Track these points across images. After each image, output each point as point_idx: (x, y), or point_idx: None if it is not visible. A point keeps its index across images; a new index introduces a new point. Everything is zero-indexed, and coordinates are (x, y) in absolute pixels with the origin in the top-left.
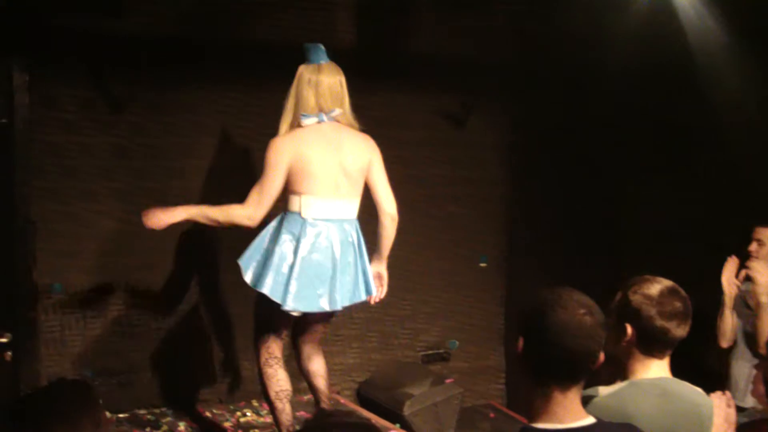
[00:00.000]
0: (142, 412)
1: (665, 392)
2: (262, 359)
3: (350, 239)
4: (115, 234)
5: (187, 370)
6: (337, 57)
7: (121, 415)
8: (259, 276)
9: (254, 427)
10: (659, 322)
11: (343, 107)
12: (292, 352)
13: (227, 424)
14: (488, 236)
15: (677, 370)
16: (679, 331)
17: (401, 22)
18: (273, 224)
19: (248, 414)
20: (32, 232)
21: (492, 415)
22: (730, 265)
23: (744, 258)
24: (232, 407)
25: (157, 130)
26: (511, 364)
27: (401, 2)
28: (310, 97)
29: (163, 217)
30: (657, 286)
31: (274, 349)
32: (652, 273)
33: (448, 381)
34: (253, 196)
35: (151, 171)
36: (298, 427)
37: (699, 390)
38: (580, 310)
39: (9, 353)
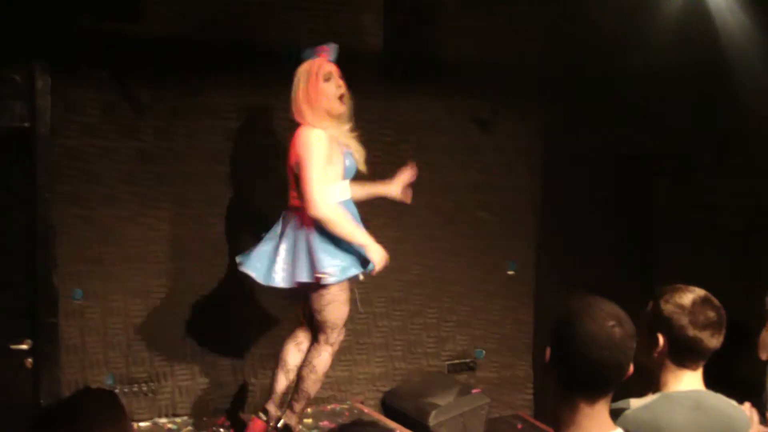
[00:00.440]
0: (163, 420)
1: (699, 405)
2: None
3: (293, 226)
4: (137, 239)
5: (209, 379)
6: (362, 60)
7: (142, 424)
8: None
9: None
10: (692, 333)
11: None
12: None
13: None
14: (517, 243)
15: (711, 382)
16: (713, 341)
17: (428, 25)
18: None
19: None
20: (53, 237)
21: (519, 426)
22: None
23: None
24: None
25: (180, 134)
26: (539, 374)
27: (428, 5)
28: None
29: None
30: (690, 296)
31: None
32: (684, 282)
33: (474, 391)
34: None
35: (173, 175)
36: None
37: (733, 403)
38: (609, 322)
39: (29, 360)
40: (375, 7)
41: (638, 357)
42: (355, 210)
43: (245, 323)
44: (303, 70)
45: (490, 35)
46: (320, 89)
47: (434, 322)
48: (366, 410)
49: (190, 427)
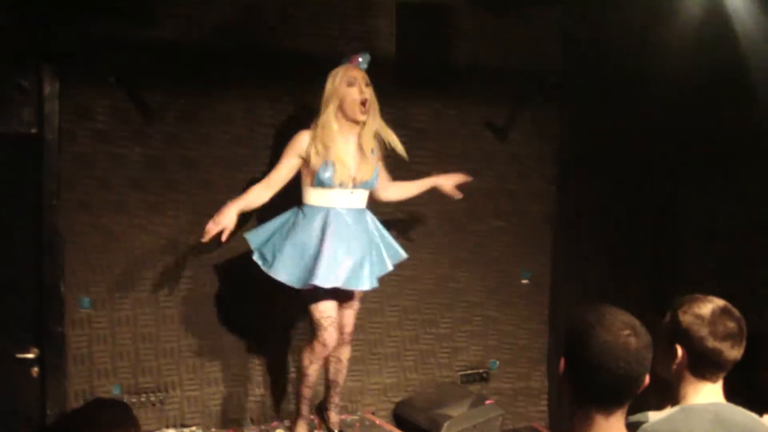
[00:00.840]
0: (170, 431)
1: (719, 418)
2: None
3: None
4: (146, 247)
5: (218, 389)
6: (375, 66)
7: None
8: None
9: None
10: (712, 344)
11: None
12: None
13: None
14: (532, 251)
15: (731, 395)
16: (733, 352)
17: (442, 30)
18: None
19: None
20: (61, 245)
21: None
22: None
23: None
24: (263, 427)
25: (192, 141)
26: (554, 385)
27: (442, 9)
28: None
29: None
30: (709, 306)
31: None
32: (703, 291)
33: (488, 402)
34: None
35: (184, 183)
36: None
37: (755, 416)
38: (624, 331)
39: (36, 369)
40: (388, 12)
41: (656, 369)
42: (345, 219)
43: (255, 332)
44: (331, 74)
45: (505, 40)
46: (342, 93)
47: (447, 332)
48: (378, 421)
49: None
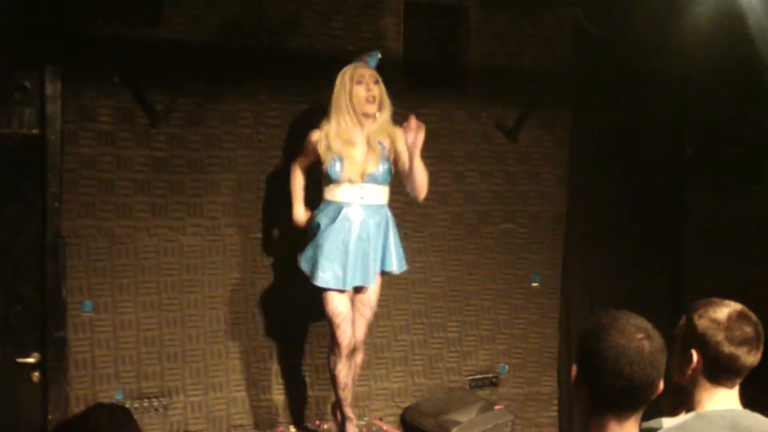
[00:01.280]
0: None
1: (735, 425)
2: None
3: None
4: (150, 250)
5: (222, 394)
6: (385, 66)
7: None
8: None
9: None
10: (728, 349)
11: None
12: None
13: None
14: (542, 254)
15: (747, 401)
16: (750, 358)
17: (451, 29)
18: None
19: None
20: (63, 248)
21: None
22: None
23: None
24: None
25: (196, 142)
26: (564, 390)
27: (450, 8)
28: None
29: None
30: (725, 310)
31: None
32: (719, 295)
33: (497, 407)
34: None
35: (189, 185)
36: None
37: None
38: (638, 335)
39: (37, 374)
40: (395, 11)
41: (671, 375)
42: (352, 216)
43: (260, 337)
44: (341, 72)
45: (515, 40)
46: (351, 92)
47: (456, 336)
48: (385, 427)
49: None
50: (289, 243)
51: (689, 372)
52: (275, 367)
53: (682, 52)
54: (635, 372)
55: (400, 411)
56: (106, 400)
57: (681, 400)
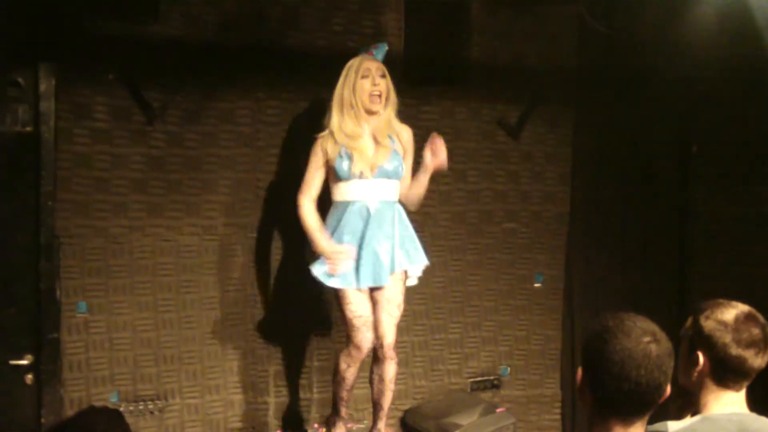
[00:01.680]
0: None
1: (742, 428)
2: None
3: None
4: (146, 250)
5: (219, 397)
6: (386, 62)
7: None
8: None
9: None
10: (735, 351)
11: None
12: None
13: None
14: (545, 255)
15: (755, 404)
16: (758, 360)
17: (453, 26)
18: None
19: None
20: (57, 248)
21: None
22: None
23: None
24: None
25: (194, 140)
26: (567, 393)
27: (452, 4)
28: None
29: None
30: (732, 311)
31: None
32: (726, 296)
33: (499, 410)
34: None
35: (186, 184)
36: None
37: None
38: (644, 338)
39: (30, 376)
40: (396, 7)
41: (677, 377)
42: (364, 213)
43: (258, 339)
44: (347, 65)
45: (518, 36)
46: (356, 86)
47: (457, 338)
48: (385, 430)
49: None
50: (288, 243)
51: (695, 374)
52: (274, 370)
53: (687, 50)
54: (642, 376)
55: (400, 414)
56: (100, 403)
57: (687, 402)
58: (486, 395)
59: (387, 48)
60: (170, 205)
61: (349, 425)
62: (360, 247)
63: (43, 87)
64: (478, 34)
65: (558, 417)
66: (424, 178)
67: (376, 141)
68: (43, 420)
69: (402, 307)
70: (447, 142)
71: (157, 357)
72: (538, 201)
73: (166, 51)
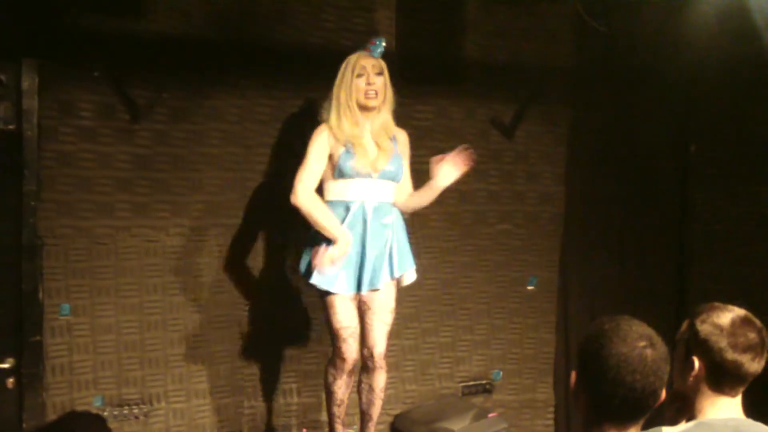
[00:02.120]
0: None
1: None
2: None
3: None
4: (132, 251)
5: (206, 401)
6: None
7: None
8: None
9: None
10: (731, 356)
11: None
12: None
13: None
14: (539, 257)
15: (751, 410)
16: (754, 365)
17: (446, 23)
18: None
19: None
20: (40, 249)
21: None
22: None
23: None
24: None
25: (181, 138)
26: (561, 398)
27: (448, 2)
28: None
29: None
30: (728, 315)
31: None
32: (722, 300)
33: (491, 415)
34: None
35: (173, 183)
36: None
37: None
38: (640, 342)
39: (11, 380)
40: (389, 3)
41: (672, 382)
42: (364, 215)
43: (245, 342)
44: (344, 62)
45: (513, 34)
46: (351, 86)
47: (449, 341)
48: None
49: None
50: (276, 245)
51: (691, 379)
52: (261, 373)
53: (686, 47)
54: (637, 381)
55: (390, 419)
56: (84, 407)
57: (682, 408)
58: (478, 400)
59: (385, 43)
60: (157, 205)
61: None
62: (362, 250)
63: (25, 84)
64: (473, 32)
65: (551, 422)
66: (431, 195)
67: (377, 143)
68: (24, 425)
69: (394, 314)
70: (440, 141)
71: (143, 360)
72: (532, 202)
73: (153, 47)
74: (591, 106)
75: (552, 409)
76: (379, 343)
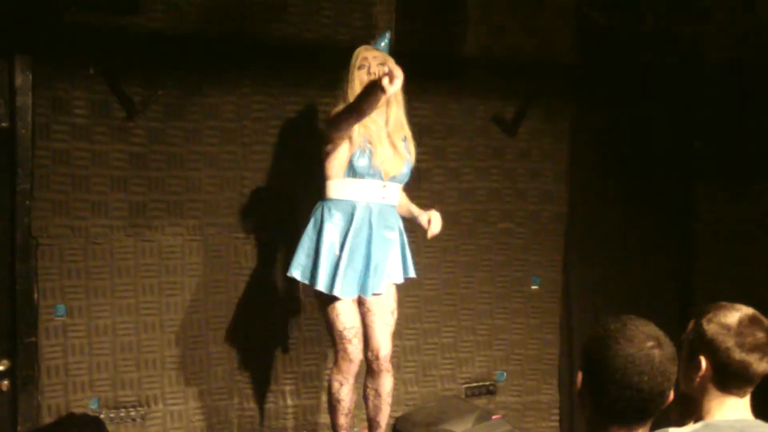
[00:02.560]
0: None
1: None
2: None
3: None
4: (127, 251)
5: (204, 403)
6: None
7: None
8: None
9: None
10: (738, 355)
11: None
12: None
13: None
14: (542, 256)
15: (759, 411)
16: (762, 365)
17: (445, 18)
18: None
19: None
20: (34, 249)
21: None
22: None
23: None
24: None
25: (177, 136)
26: (565, 399)
27: None
28: None
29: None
30: (735, 314)
31: None
32: (729, 299)
33: (494, 417)
34: None
35: (169, 182)
36: None
37: None
38: (647, 343)
39: (6, 382)
40: None
41: (678, 382)
42: (371, 216)
43: (244, 342)
44: (353, 55)
45: (514, 29)
46: (354, 80)
47: (451, 342)
48: None
49: None
50: (274, 244)
51: (698, 379)
52: (259, 375)
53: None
54: (644, 382)
55: (391, 421)
56: (79, 410)
57: (689, 409)
58: (481, 401)
59: (388, 36)
60: (152, 204)
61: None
62: (367, 253)
63: (19, 81)
64: (472, 26)
65: (556, 424)
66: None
67: (392, 143)
68: (19, 428)
69: (396, 314)
70: (440, 139)
71: (139, 362)
72: (534, 200)
73: (148, 43)
74: (593, 103)
75: (556, 410)
76: (383, 345)
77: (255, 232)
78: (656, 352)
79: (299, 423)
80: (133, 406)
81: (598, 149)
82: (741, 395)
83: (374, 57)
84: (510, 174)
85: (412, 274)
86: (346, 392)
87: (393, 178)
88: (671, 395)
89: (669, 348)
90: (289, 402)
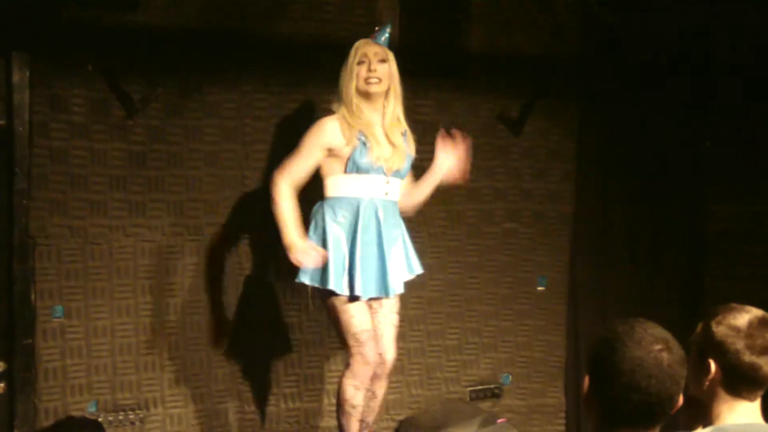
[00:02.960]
0: None
1: None
2: None
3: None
4: (126, 251)
5: (204, 406)
6: None
7: None
8: None
9: None
10: (748, 358)
11: None
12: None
13: None
14: (548, 256)
15: None
16: None
17: (450, 14)
18: None
19: None
20: (32, 249)
21: None
22: None
23: None
24: None
25: (177, 135)
26: (572, 403)
27: None
28: None
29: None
30: (745, 316)
31: None
32: (739, 301)
33: (500, 421)
34: None
35: (169, 181)
36: None
37: None
38: (655, 346)
39: (2, 385)
40: None
41: (687, 386)
42: (376, 213)
43: (244, 345)
44: (351, 49)
45: (520, 25)
46: (352, 74)
47: (455, 344)
48: None
49: None
50: (276, 244)
51: (707, 383)
52: (261, 377)
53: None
54: (653, 386)
55: (395, 424)
56: (77, 413)
57: (698, 413)
58: (486, 405)
59: (389, 30)
60: (151, 203)
61: None
62: (380, 252)
63: (16, 78)
64: (477, 23)
65: (562, 428)
66: (432, 182)
67: (388, 137)
68: (16, 431)
69: (399, 314)
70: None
71: (138, 364)
72: (540, 200)
73: (148, 40)
74: (600, 101)
75: (563, 414)
76: (390, 348)
77: (255, 232)
78: (665, 355)
79: (301, 427)
80: (132, 409)
81: (606, 148)
82: (751, 399)
83: (375, 53)
84: (515, 173)
85: (420, 270)
86: (360, 398)
87: (396, 173)
88: (680, 399)
89: (678, 351)
90: (292, 405)
